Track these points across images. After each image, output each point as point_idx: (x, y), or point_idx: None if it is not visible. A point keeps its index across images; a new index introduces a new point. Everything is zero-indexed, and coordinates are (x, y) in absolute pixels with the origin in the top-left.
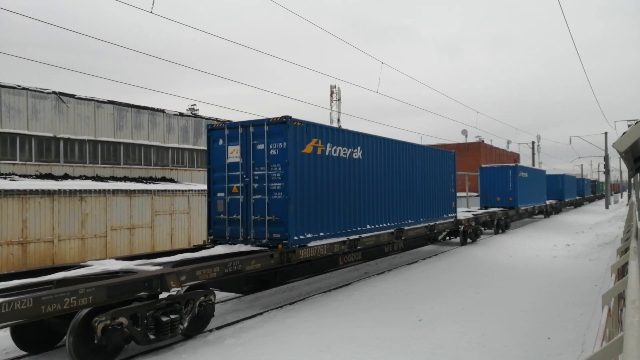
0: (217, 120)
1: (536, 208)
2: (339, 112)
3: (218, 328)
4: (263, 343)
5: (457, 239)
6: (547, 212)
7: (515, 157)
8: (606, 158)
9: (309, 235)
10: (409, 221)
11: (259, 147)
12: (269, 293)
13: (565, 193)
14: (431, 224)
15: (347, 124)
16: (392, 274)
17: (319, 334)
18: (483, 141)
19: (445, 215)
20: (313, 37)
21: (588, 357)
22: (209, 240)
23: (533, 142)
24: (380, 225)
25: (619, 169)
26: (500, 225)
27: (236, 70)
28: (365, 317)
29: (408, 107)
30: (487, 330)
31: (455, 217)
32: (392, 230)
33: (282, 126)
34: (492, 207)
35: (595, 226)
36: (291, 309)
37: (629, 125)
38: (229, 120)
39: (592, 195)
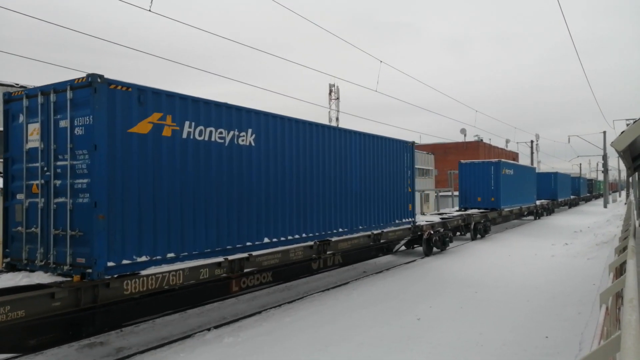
0: None
1: (524, 209)
2: (338, 111)
3: (216, 327)
4: (261, 342)
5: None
6: (538, 214)
7: (514, 156)
8: (604, 157)
9: (144, 259)
10: (340, 230)
11: (62, 124)
12: (266, 292)
13: (559, 192)
14: (376, 232)
15: (346, 123)
16: (391, 273)
17: (317, 332)
18: (482, 140)
19: (397, 221)
20: (312, 35)
21: (586, 356)
22: (3, 265)
23: (532, 141)
24: (290, 238)
25: (618, 168)
26: (478, 230)
27: (235, 69)
28: (363, 316)
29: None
30: (485, 329)
31: (413, 222)
32: (311, 243)
33: (88, 91)
34: (472, 208)
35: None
36: (289, 308)
37: (627, 125)
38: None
39: (588, 194)
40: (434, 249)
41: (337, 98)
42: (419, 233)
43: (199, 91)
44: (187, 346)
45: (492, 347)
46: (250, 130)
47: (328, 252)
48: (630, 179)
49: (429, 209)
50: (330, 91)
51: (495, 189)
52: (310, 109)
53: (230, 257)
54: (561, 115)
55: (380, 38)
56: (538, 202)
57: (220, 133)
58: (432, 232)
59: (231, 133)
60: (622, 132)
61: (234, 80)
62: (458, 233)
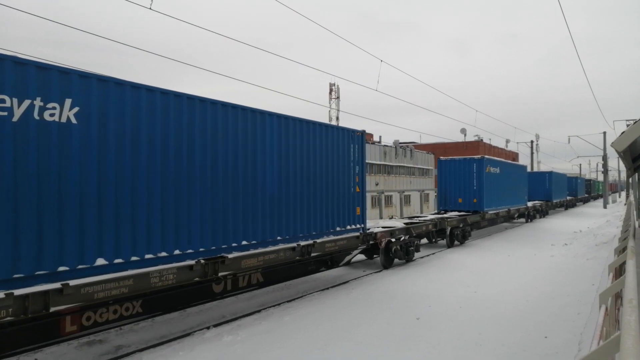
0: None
1: (513, 211)
2: (338, 110)
3: (216, 325)
4: (261, 340)
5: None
6: (530, 216)
7: (514, 156)
8: (604, 157)
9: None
10: (244, 243)
11: None
12: (265, 291)
13: (554, 193)
14: (304, 244)
15: (346, 122)
16: (390, 273)
17: (317, 331)
18: (482, 140)
19: (339, 229)
20: (313, 34)
21: (585, 356)
22: None
23: (532, 142)
24: (151, 257)
25: (618, 168)
26: (456, 236)
27: (235, 67)
28: (362, 315)
29: (408, 105)
30: (484, 329)
31: (363, 229)
32: (191, 262)
33: None
34: (453, 210)
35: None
36: (289, 307)
37: (627, 125)
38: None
39: (586, 195)
40: (396, 260)
41: (337, 97)
42: (371, 242)
43: (201, 90)
44: (187, 344)
45: None
46: (69, 101)
47: (222, 274)
48: (630, 179)
49: (428, 209)
50: (331, 90)
51: (478, 189)
52: (311, 108)
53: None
54: (561, 115)
55: (383, 37)
56: (530, 204)
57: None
58: (391, 240)
59: (30, 103)
60: (622, 133)
61: (234, 78)
62: (434, 240)
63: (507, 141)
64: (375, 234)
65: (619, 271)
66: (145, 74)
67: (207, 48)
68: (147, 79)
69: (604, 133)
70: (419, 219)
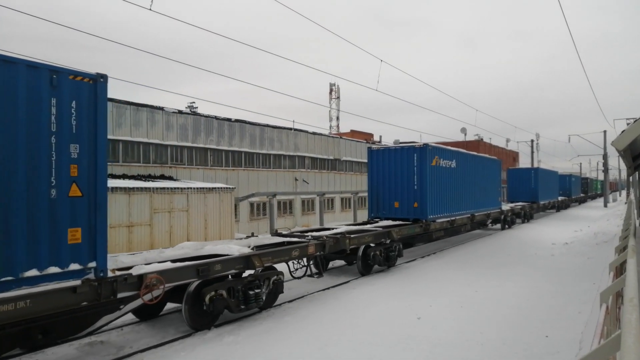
0: (215, 117)
1: (481, 217)
2: (339, 110)
3: (217, 326)
4: (261, 341)
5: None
6: (508, 222)
7: (515, 155)
8: (605, 156)
9: None
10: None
11: None
12: None
13: (541, 193)
14: None
15: (346, 122)
16: (390, 272)
17: (317, 331)
18: (482, 139)
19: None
20: (314, 34)
21: (586, 355)
22: None
23: (532, 141)
24: None
25: (618, 167)
26: (372, 258)
27: (235, 68)
28: (363, 314)
29: (408, 104)
30: (486, 328)
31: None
32: None
33: None
34: (387, 218)
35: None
36: (289, 307)
37: (627, 124)
38: (228, 118)
39: (582, 195)
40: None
41: (338, 97)
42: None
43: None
44: (188, 345)
45: None
46: None
47: None
48: (631, 178)
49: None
50: (331, 90)
51: (420, 190)
52: (311, 108)
53: None
54: (562, 114)
55: (382, 36)
56: (508, 206)
57: None
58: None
59: None
60: (622, 132)
61: (234, 79)
62: (318, 272)
63: (508, 140)
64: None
65: (619, 270)
66: (146, 74)
67: (206, 47)
68: (149, 79)
69: (604, 132)
70: (311, 233)
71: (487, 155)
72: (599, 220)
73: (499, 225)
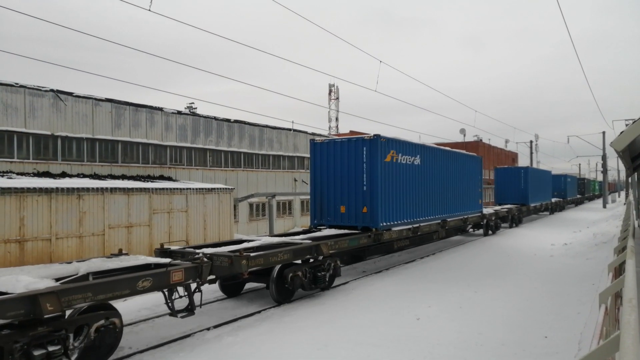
0: (215, 118)
1: (455, 222)
2: (338, 111)
3: (216, 326)
4: (260, 341)
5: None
6: (490, 227)
7: (514, 156)
8: (604, 157)
9: None
10: None
11: None
12: (266, 292)
13: (531, 194)
14: None
15: (345, 123)
16: (390, 273)
17: (316, 332)
18: (481, 140)
19: None
20: (313, 35)
21: (585, 356)
22: None
23: (531, 142)
24: None
25: (617, 168)
26: (290, 282)
27: (235, 68)
28: (362, 315)
29: (407, 105)
30: (485, 329)
31: None
32: None
33: None
34: (332, 225)
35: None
36: (289, 308)
37: (626, 125)
38: (227, 119)
39: (579, 196)
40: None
41: (337, 98)
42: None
43: (199, 90)
44: (187, 345)
45: None
46: None
47: None
48: (630, 179)
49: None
50: (330, 91)
51: (370, 191)
52: (310, 108)
53: None
54: (561, 115)
55: (386, 35)
56: (492, 210)
57: None
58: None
59: None
60: (621, 133)
61: (233, 79)
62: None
63: (507, 141)
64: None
65: (618, 271)
66: (145, 74)
67: (206, 48)
68: (148, 79)
69: (603, 133)
70: (217, 249)
71: (463, 152)
72: (598, 223)
73: (482, 231)
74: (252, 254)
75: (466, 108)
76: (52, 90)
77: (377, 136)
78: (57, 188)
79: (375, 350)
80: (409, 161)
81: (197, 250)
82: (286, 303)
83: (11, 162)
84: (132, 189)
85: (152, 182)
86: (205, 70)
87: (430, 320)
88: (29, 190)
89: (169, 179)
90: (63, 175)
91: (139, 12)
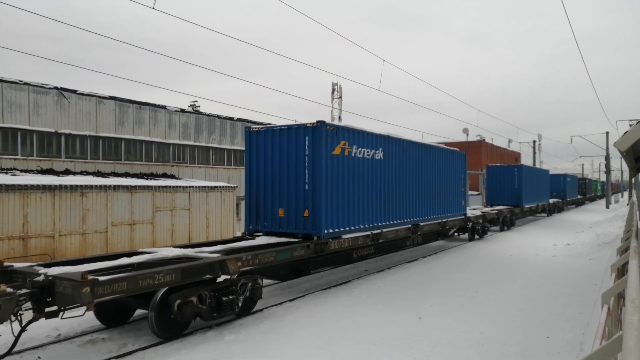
0: (218, 116)
1: (431, 227)
2: (340, 110)
3: (217, 324)
4: (262, 340)
5: None
6: (476, 231)
7: (517, 155)
8: (607, 157)
9: None
10: None
11: None
12: (267, 290)
13: (525, 195)
14: None
15: (348, 121)
16: (392, 272)
17: (318, 330)
18: (484, 140)
19: None
20: (317, 34)
21: (587, 356)
22: None
23: (534, 141)
24: None
25: (620, 168)
26: (185, 312)
27: (238, 67)
28: (364, 314)
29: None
30: (486, 329)
31: None
32: None
33: None
34: (269, 232)
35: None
36: (290, 306)
37: (630, 125)
38: (230, 117)
39: (580, 197)
40: None
41: (340, 97)
42: None
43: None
44: (189, 343)
45: None
46: None
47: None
48: (633, 179)
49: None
50: (333, 90)
51: (313, 191)
52: (313, 107)
53: None
54: (564, 115)
55: (392, 33)
56: (478, 212)
57: None
58: None
59: None
60: (625, 133)
61: (236, 78)
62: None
63: (510, 141)
64: None
65: (621, 271)
66: (149, 72)
67: (209, 46)
68: (152, 77)
69: (607, 133)
70: (99, 264)
71: (443, 146)
72: (598, 225)
73: (465, 236)
74: (102, 278)
75: (469, 107)
76: (56, 88)
77: (321, 123)
78: (60, 185)
79: (377, 349)
80: (368, 155)
81: (41, 271)
82: (173, 340)
83: (15, 159)
84: (135, 186)
85: (155, 179)
86: (209, 69)
87: (431, 319)
88: (33, 187)
89: (172, 176)
90: (66, 172)
91: (144, 10)
